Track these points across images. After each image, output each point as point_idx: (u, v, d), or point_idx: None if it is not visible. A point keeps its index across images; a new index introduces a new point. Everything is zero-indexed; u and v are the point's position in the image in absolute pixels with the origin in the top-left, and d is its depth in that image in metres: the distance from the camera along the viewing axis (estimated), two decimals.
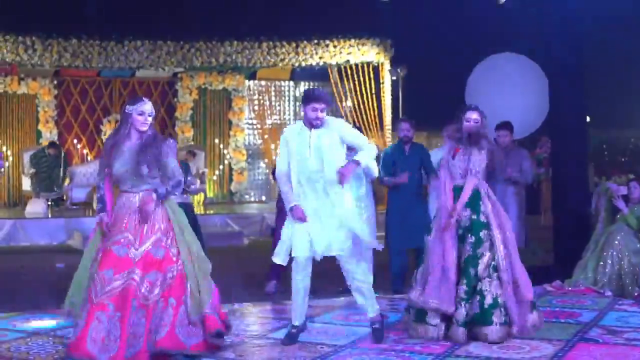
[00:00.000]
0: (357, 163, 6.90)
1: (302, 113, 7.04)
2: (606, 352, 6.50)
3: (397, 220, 9.55)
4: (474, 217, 7.08)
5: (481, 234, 7.03)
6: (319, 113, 6.87)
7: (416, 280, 7.18)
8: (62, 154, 18.21)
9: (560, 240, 10.76)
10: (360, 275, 7.00)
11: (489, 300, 6.89)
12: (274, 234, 9.93)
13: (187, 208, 9.95)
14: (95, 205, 16.43)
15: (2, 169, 10.41)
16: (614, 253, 9.32)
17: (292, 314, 7.11)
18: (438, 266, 6.98)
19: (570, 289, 9.34)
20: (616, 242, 9.35)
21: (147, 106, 6.39)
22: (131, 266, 6.10)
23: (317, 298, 8.80)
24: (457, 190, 7.15)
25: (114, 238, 6.18)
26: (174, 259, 6.27)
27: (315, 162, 6.89)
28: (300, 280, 7.00)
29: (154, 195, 6.25)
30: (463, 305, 6.88)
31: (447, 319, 6.94)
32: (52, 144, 18.30)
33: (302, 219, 6.85)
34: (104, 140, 20.09)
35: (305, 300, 7.08)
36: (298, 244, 6.91)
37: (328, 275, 9.78)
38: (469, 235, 7.06)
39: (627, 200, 9.49)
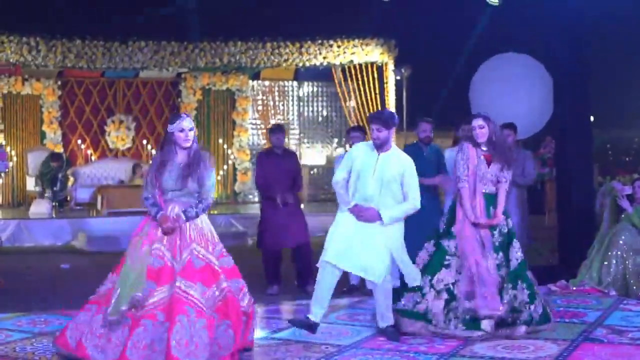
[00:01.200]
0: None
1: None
2: (611, 351, 6.50)
3: (414, 223, 9.44)
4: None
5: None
6: (377, 133, 7.11)
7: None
8: (65, 164, 18.14)
9: (565, 240, 10.77)
10: (382, 305, 7.18)
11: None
12: (260, 224, 10.00)
13: None
14: (98, 205, 16.68)
15: (7, 170, 10.41)
16: (619, 253, 9.31)
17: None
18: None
19: (574, 288, 9.34)
20: (621, 242, 9.35)
21: (186, 122, 6.47)
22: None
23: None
24: (487, 198, 7.35)
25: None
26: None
27: (375, 185, 7.06)
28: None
29: (183, 217, 6.33)
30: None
31: None
32: (55, 156, 18.19)
33: (362, 211, 6.97)
34: (107, 141, 20.20)
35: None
36: (332, 250, 7.06)
37: None
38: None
39: (632, 200, 9.49)
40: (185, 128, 6.43)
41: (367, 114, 20.09)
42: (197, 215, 6.40)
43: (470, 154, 7.36)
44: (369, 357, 6.48)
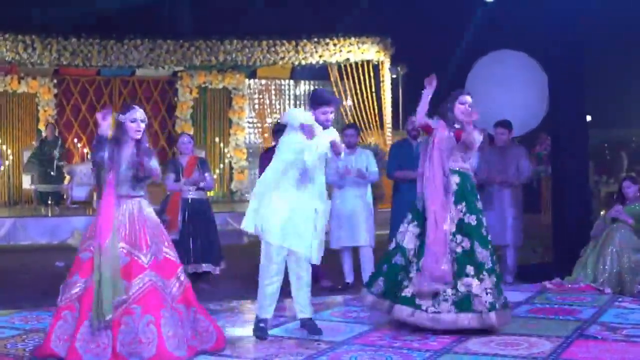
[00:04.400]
0: None
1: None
2: (605, 348, 6.48)
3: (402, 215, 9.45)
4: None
5: None
6: (330, 115, 7.03)
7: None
8: (59, 140, 18.17)
9: (560, 238, 10.75)
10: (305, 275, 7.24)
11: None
12: None
13: (202, 205, 9.98)
14: (94, 203, 16.60)
15: (2, 168, 10.37)
16: (614, 250, 9.31)
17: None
18: None
19: (569, 286, 9.33)
20: (616, 240, 9.34)
21: (139, 113, 6.42)
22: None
23: (315, 295, 8.82)
24: (462, 175, 7.25)
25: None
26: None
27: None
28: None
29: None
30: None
31: None
32: (47, 125, 18.39)
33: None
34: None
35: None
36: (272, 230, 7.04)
37: (328, 273, 9.84)
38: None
39: (624, 201, 9.52)
40: (138, 119, 6.39)
41: (364, 113, 20.16)
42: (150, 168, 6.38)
43: (441, 131, 7.23)
44: (362, 354, 6.44)
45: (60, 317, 6.17)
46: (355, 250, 9.90)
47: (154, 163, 6.43)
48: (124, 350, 5.98)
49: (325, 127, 7.00)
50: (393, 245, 7.41)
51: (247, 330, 7.27)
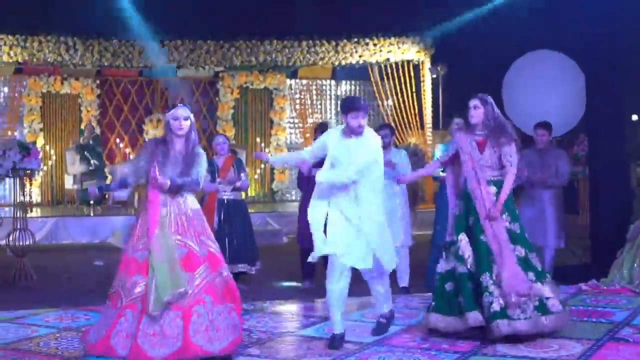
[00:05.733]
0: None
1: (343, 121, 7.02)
2: (636, 351, 6.42)
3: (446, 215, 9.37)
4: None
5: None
6: (361, 121, 6.88)
7: None
8: (98, 140, 18.42)
9: (598, 239, 10.64)
10: (378, 285, 7.12)
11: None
12: (299, 220, 9.96)
13: (238, 205, 10.04)
14: (135, 203, 16.77)
15: (40, 168, 10.55)
16: None
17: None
18: None
19: (605, 288, 9.23)
20: None
21: (180, 111, 6.52)
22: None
23: (350, 296, 8.86)
24: (497, 185, 7.06)
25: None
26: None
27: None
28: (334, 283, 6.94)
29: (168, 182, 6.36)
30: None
31: None
32: (86, 125, 18.80)
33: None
34: (145, 140, 20.29)
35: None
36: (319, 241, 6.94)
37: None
38: None
39: None
40: (180, 116, 6.48)
41: (405, 113, 20.13)
42: (182, 184, 6.41)
43: (461, 142, 7.14)
44: (390, 355, 6.45)
45: (122, 315, 6.21)
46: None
47: (197, 171, 6.52)
48: (199, 338, 6.09)
49: (356, 133, 6.96)
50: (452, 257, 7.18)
51: (277, 330, 7.31)
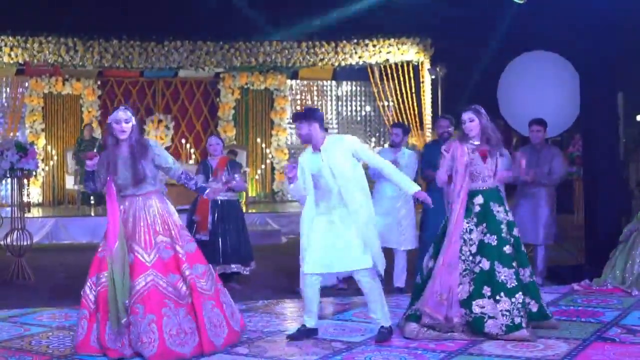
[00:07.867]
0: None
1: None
2: (621, 351, 6.44)
3: (435, 217, 9.37)
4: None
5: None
6: (303, 131, 6.94)
7: None
8: (97, 141, 18.42)
9: (592, 239, 10.64)
10: (367, 286, 7.05)
11: None
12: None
13: (233, 205, 10.07)
14: None
15: (37, 168, 10.56)
16: None
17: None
18: None
19: (596, 288, 9.26)
20: None
21: (121, 113, 6.47)
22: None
23: (343, 296, 8.93)
24: (486, 194, 7.16)
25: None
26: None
27: (329, 179, 6.89)
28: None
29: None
30: None
31: None
32: (85, 126, 18.84)
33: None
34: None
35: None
36: (310, 260, 6.95)
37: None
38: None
39: None
40: (121, 119, 6.45)
41: (405, 113, 20.17)
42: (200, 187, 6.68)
43: (458, 153, 7.13)
44: (377, 354, 6.49)
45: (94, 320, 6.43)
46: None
47: (172, 160, 6.61)
48: (133, 348, 6.17)
49: (312, 144, 6.99)
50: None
51: (267, 329, 7.36)
